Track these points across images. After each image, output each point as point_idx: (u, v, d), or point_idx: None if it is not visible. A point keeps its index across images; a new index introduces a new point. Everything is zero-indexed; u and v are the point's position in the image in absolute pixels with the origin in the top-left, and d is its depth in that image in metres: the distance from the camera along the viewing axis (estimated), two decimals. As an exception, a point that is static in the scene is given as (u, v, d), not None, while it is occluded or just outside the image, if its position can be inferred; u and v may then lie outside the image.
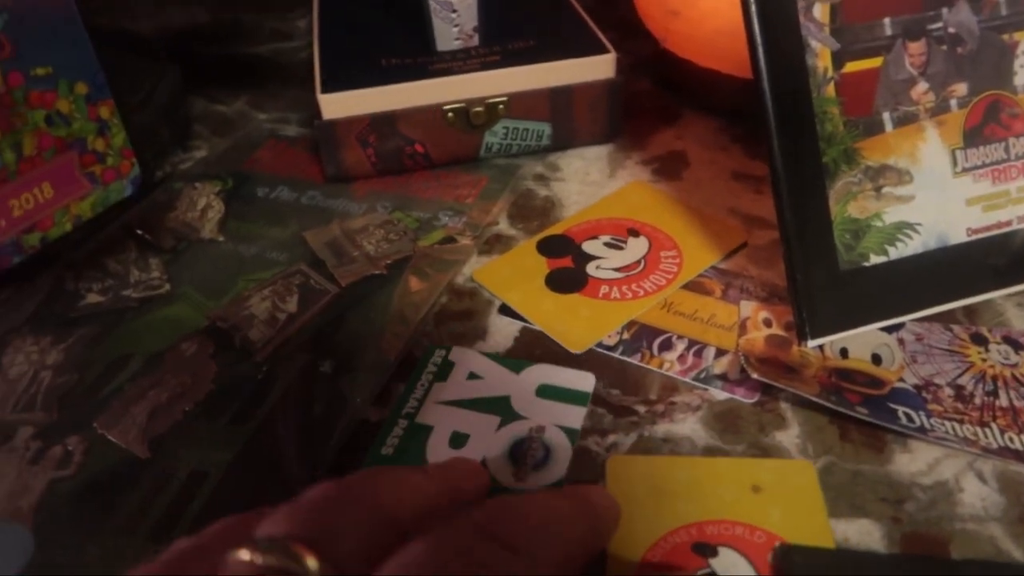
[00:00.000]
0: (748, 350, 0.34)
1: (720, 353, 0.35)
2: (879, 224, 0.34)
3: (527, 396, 0.33)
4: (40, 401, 0.34)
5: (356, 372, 0.35)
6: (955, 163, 0.35)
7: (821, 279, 0.34)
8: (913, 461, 0.31)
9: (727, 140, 0.50)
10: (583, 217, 0.44)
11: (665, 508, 0.29)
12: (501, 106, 0.46)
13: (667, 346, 0.36)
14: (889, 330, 0.35)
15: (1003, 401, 0.32)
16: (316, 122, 0.45)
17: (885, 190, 0.34)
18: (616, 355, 0.35)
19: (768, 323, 0.36)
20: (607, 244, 0.42)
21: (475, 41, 0.48)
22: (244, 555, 0.16)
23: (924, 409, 0.32)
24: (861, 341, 0.35)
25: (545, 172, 0.48)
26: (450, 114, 0.46)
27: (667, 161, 0.49)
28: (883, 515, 0.29)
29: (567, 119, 0.48)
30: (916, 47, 0.34)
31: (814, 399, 0.32)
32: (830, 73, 0.33)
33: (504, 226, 0.44)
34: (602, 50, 0.47)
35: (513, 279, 0.40)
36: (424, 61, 0.47)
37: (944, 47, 0.35)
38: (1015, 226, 0.36)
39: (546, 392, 0.34)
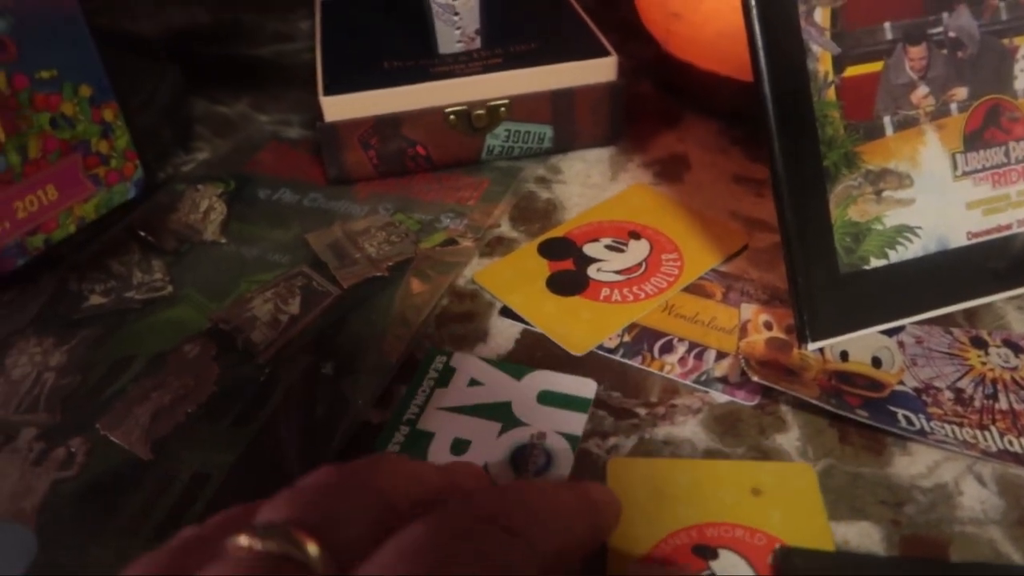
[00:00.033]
0: (748, 353, 0.35)
1: (721, 356, 0.35)
2: (879, 227, 0.34)
3: (528, 402, 0.33)
4: (43, 402, 0.34)
5: (358, 374, 0.35)
6: (955, 167, 0.35)
7: (821, 282, 0.34)
8: (913, 464, 0.31)
9: (728, 143, 0.50)
10: (584, 220, 0.44)
11: (666, 510, 0.29)
12: (503, 108, 0.46)
13: (668, 349, 0.36)
14: (889, 333, 0.35)
15: (1003, 404, 0.32)
16: (318, 124, 0.45)
17: (885, 194, 0.34)
18: (617, 358, 0.36)
19: (768, 326, 0.36)
20: (608, 247, 0.42)
21: (477, 44, 0.48)
22: (243, 541, 0.16)
23: (924, 412, 0.32)
24: (861, 344, 0.35)
25: (547, 174, 0.48)
26: (452, 116, 0.46)
27: (668, 164, 0.49)
28: (883, 518, 0.29)
29: (569, 122, 0.48)
30: (917, 51, 0.34)
31: (814, 402, 0.32)
32: (831, 77, 0.34)
33: (505, 228, 0.44)
34: (604, 53, 0.47)
35: (514, 281, 0.40)
36: (426, 63, 0.47)
37: (944, 51, 0.35)
38: (1015, 230, 0.36)
39: (547, 398, 0.34)
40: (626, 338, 0.36)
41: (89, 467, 0.32)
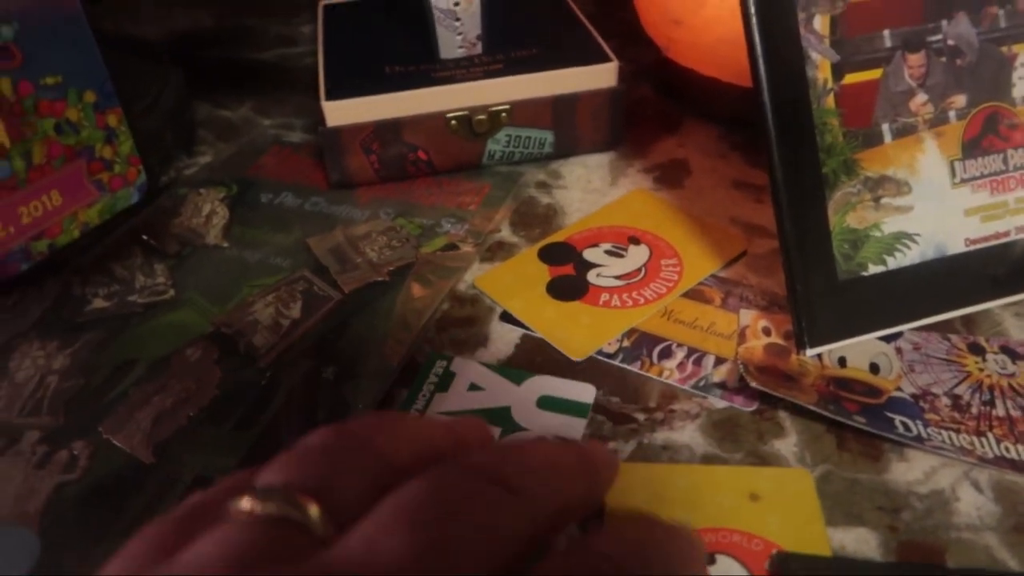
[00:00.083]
0: (747, 359, 0.35)
1: (719, 361, 0.36)
2: (878, 234, 0.34)
3: (528, 407, 0.34)
4: (46, 405, 0.35)
5: (359, 378, 0.35)
6: (953, 174, 0.35)
7: (820, 288, 0.34)
8: (910, 470, 0.31)
9: (728, 148, 0.51)
10: (584, 225, 0.44)
11: (663, 515, 0.29)
12: (504, 114, 0.47)
13: (667, 354, 0.36)
14: (887, 339, 0.36)
15: (999, 411, 0.32)
16: (320, 129, 0.46)
17: (884, 201, 0.34)
18: (616, 363, 0.36)
19: (767, 332, 0.36)
20: (608, 252, 0.42)
21: (478, 49, 0.49)
22: (245, 504, 0.16)
23: (921, 418, 0.32)
24: (859, 350, 0.35)
25: (547, 180, 0.48)
26: (453, 122, 0.46)
27: (668, 169, 0.49)
28: (879, 523, 0.29)
29: (569, 127, 0.48)
30: (915, 59, 0.35)
31: (812, 408, 0.32)
32: (830, 84, 0.34)
33: (506, 233, 0.44)
34: (604, 59, 0.48)
35: (514, 286, 0.40)
36: (427, 69, 0.47)
37: (943, 59, 0.35)
38: (1013, 236, 0.36)
39: (547, 403, 0.34)
40: (625, 343, 0.37)
41: (92, 470, 0.32)
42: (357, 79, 0.47)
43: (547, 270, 0.41)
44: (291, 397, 0.34)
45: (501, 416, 0.33)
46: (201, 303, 0.40)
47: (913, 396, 0.33)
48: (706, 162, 0.49)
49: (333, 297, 0.40)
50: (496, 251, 0.43)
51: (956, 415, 0.32)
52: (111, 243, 0.43)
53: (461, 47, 0.48)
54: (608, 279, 0.40)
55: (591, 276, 0.40)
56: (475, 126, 0.47)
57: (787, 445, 0.32)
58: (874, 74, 0.34)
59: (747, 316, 0.37)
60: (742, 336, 0.36)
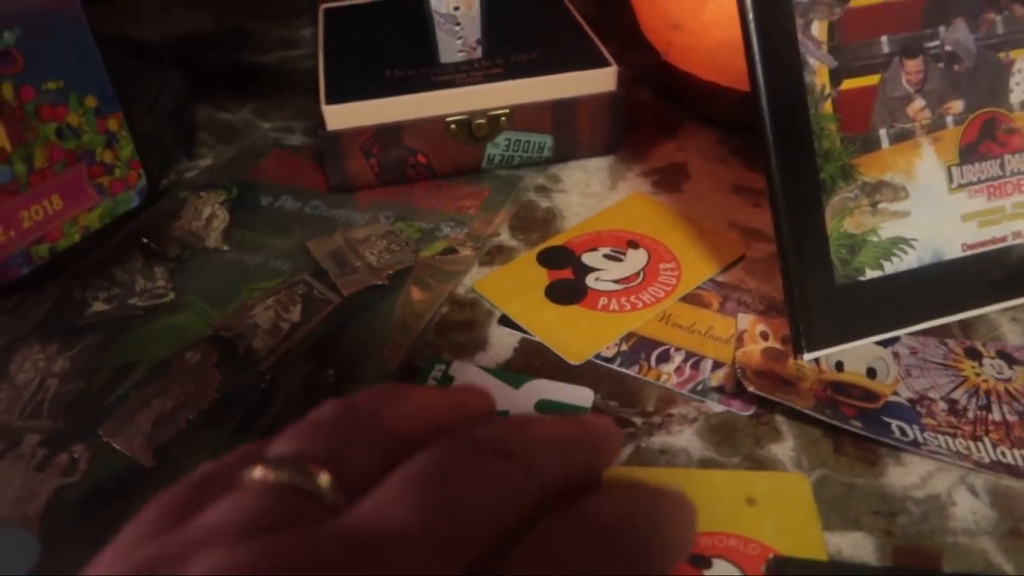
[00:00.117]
0: (744, 363, 0.35)
1: (717, 365, 0.36)
2: (875, 239, 0.35)
3: (526, 411, 0.34)
4: (47, 408, 0.35)
5: (358, 381, 0.35)
6: (951, 179, 0.35)
7: (817, 293, 0.34)
8: (906, 475, 0.31)
9: (727, 152, 0.51)
10: (583, 229, 0.44)
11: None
12: (503, 118, 0.47)
13: (665, 358, 0.36)
14: (884, 344, 0.36)
15: (996, 415, 0.33)
16: (320, 133, 0.46)
17: (881, 206, 0.35)
18: (614, 367, 0.36)
19: (765, 336, 0.37)
20: (607, 256, 0.42)
21: (478, 53, 0.49)
22: (258, 473, 0.17)
23: (918, 423, 0.32)
24: (857, 355, 0.35)
25: (546, 183, 0.49)
26: (453, 126, 0.46)
27: (667, 173, 0.49)
28: (876, 528, 0.29)
29: (569, 131, 0.49)
30: (913, 65, 0.35)
31: (809, 412, 0.32)
32: (828, 90, 0.34)
33: (505, 237, 0.44)
34: (604, 63, 0.48)
35: (513, 290, 0.40)
36: (427, 73, 0.47)
37: (941, 65, 0.35)
38: (1010, 242, 0.36)
39: (545, 407, 0.34)
40: (623, 347, 0.37)
41: (92, 473, 0.32)
42: (357, 83, 0.47)
43: (546, 274, 0.41)
44: (290, 400, 0.35)
45: (499, 420, 0.33)
46: (201, 306, 0.40)
47: (910, 400, 0.33)
48: (705, 166, 0.50)
49: (332, 301, 0.40)
50: (495, 255, 0.43)
51: (953, 420, 0.32)
52: (111, 246, 0.44)
53: (461, 51, 0.48)
54: (607, 283, 0.40)
55: (590, 280, 0.41)
56: (475, 130, 0.47)
57: (784, 449, 0.32)
58: (872, 80, 0.34)
59: (745, 320, 0.38)
60: (740, 340, 0.36)
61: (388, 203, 0.47)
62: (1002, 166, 0.36)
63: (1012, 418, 0.32)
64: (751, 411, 0.34)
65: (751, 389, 0.33)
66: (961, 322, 0.37)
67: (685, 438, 0.33)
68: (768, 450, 0.32)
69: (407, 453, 0.17)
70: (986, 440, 0.32)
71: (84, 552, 0.29)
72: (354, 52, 0.51)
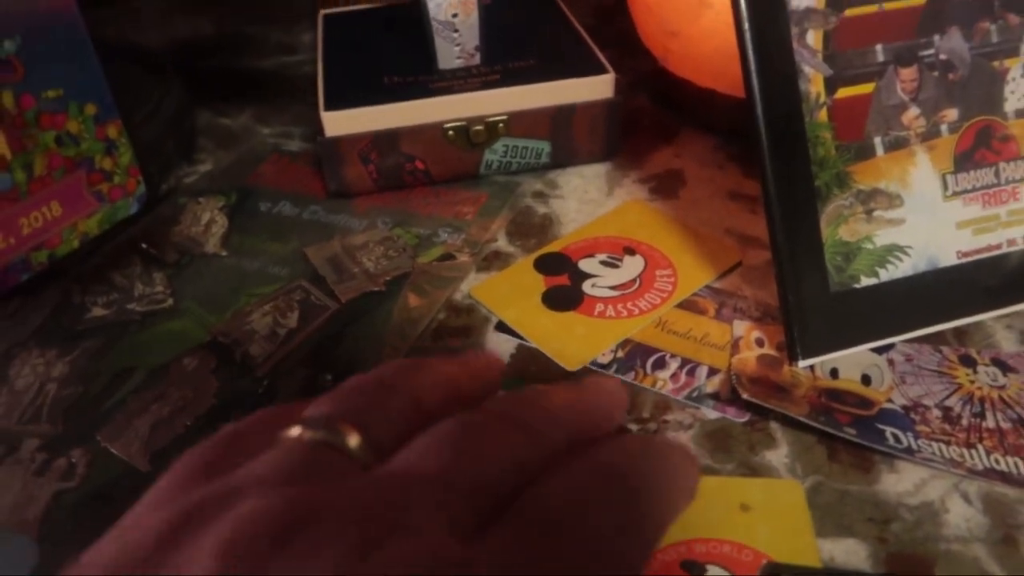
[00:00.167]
0: (740, 370, 0.35)
1: (713, 372, 0.36)
2: (870, 247, 0.35)
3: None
4: (45, 413, 0.35)
5: (355, 388, 0.35)
6: (945, 187, 0.35)
7: (812, 300, 0.34)
8: (900, 482, 0.31)
9: (724, 159, 0.51)
10: (580, 235, 0.45)
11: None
12: (501, 124, 0.47)
13: (660, 365, 0.36)
14: (879, 351, 0.36)
15: (990, 423, 0.33)
16: (319, 139, 0.46)
17: (876, 213, 0.35)
18: (610, 373, 0.36)
19: (760, 343, 0.37)
20: (603, 262, 0.42)
21: (476, 60, 0.49)
22: (295, 431, 0.18)
23: (912, 430, 0.32)
24: (851, 362, 0.35)
25: (544, 190, 0.49)
26: (450, 132, 0.47)
27: (664, 179, 0.49)
28: (869, 535, 0.29)
29: (566, 138, 0.49)
30: (908, 73, 0.35)
31: (803, 419, 0.32)
32: (822, 98, 0.34)
33: (502, 243, 0.45)
34: (602, 70, 0.48)
35: (510, 296, 0.40)
36: (426, 79, 0.48)
37: (935, 73, 0.35)
38: (1005, 249, 0.36)
39: (541, 410, 0.34)
40: (619, 354, 0.37)
41: (90, 478, 0.32)
42: (355, 89, 0.47)
43: (543, 280, 0.41)
44: (287, 406, 0.35)
45: (495, 426, 0.34)
46: (199, 312, 0.40)
47: (904, 408, 0.33)
48: (702, 173, 0.50)
49: (330, 306, 0.40)
50: (492, 261, 0.43)
51: (947, 427, 0.33)
52: (110, 251, 0.44)
53: (459, 58, 0.49)
54: (603, 289, 0.41)
55: (586, 286, 0.41)
56: (472, 136, 0.47)
57: (778, 456, 0.32)
58: (866, 88, 0.35)
59: (741, 327, 0.38)
60: (735, 347, 0.37)
61: (386, 209, 0.47)
62: (997, 174, 0.36)
63: (1006, 425, 0.33)
64: (746, 418, 0.34)
65: (746, 396, 0.33)
66: (956, 329, 0.37)
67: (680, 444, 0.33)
68: (762, 457, 0.32)
69: (429, 421, 0.19)
70: (980, 447, 0.32)
71: (81, 557, 0.29)
72: (353, 58, 0.51)
